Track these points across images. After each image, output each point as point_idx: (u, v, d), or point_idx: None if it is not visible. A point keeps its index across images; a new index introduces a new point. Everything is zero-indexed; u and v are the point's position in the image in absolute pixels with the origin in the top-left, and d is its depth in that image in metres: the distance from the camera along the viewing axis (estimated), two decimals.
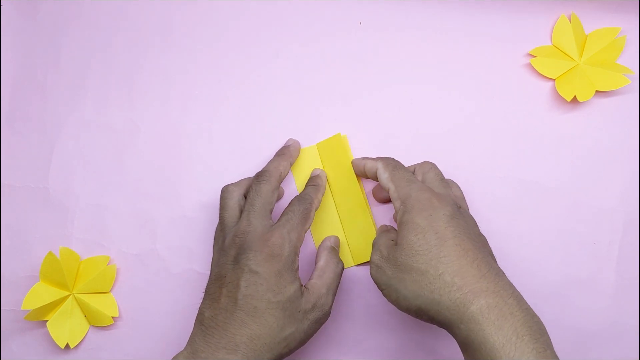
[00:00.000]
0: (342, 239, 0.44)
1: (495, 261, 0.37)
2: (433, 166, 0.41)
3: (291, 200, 0.41)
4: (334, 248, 0.42)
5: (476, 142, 0.45)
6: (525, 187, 0.45)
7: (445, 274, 0.33)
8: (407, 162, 0.43)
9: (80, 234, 0.46)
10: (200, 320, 0.37)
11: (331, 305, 0.39)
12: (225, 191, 0.42)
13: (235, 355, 0.34)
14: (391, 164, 0.40)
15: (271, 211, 0.40)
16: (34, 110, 0.47)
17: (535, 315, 0.33)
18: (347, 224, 0.44)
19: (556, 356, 0.32)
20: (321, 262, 0.41)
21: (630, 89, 0.45)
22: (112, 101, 0.47)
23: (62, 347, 0.44)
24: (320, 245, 0.43)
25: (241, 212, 0.40)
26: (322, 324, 0.39)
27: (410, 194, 0.37)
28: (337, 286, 0.40)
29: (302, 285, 0.38)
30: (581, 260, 0.44)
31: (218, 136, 0.46)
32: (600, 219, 0.44)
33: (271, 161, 0.43)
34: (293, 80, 0.46)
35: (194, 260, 0.45)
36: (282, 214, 0.39)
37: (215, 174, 0.46)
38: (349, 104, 0.46)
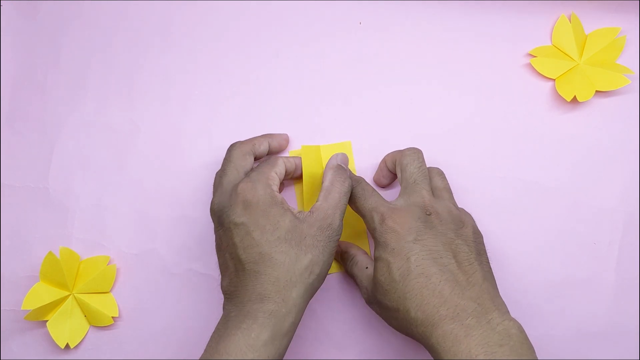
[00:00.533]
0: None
1: (472, 261, 0.36)
2: (411, 159, 0.41)
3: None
4: (340, 166, 0.41)
5: (476, 142, 0.45)
6: (525, 187, 0.45)
7: (410, 310, 0.35)
8: (392, 165, 0.43)
9: (80, 234, 0.46)
10: (223, 292, 0.37)
11: (340, 223, 0.38)
12: (232, 146, 0.42)
13: (263, 304, 0.35)
14: (353, 193, 0.40)
15: (245, 173, 0.40)
16: (34, 110, 0.47)
17: (502, 322, 0.33)
18: (343, 229, 0.44)
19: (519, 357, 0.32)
20: (326, 183, 0.40)
21: (630, 89, 0.45)
22: (112, 101, 0.47)
23: (62, 347, 0.44)
24: (326, 164, 0.42)
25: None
26: (335, 241, 0.38)
27: (375, 228, 0.38)
28: (346, 203, 0.39)
29: (298, 212, 0.38)
30: (581, 260, 0.44)
31: (218, 136, 0.46)
32: (600, 219, 0.44)
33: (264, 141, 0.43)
34: (293, 80, 0.46)
35: (194, 260, 0.45)
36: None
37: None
38: (349, 104, 0.46)
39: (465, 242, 0.37)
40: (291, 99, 0.46)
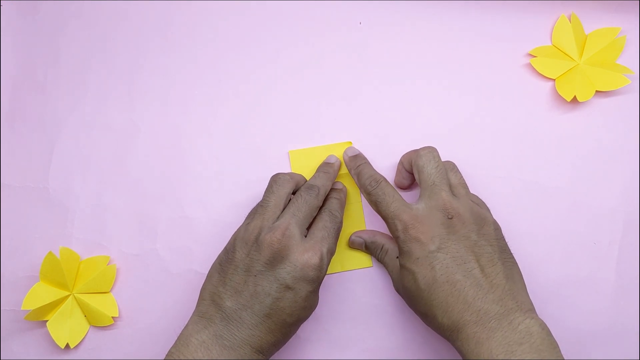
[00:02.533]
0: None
1: (495, 262, 0.37)
2: (427, 159, 0.40)
3: (323, 214, 0.41)
4: (331, 214, 0.41)
5: (476, 142, 0.45)
6: (525, 187, 0.45)
7: (437, 316, 0.36)
8: (408, 165, 0.43)
9: (80, 234, 0.46)
10: (218, 303, 0.37)
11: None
12: (279, 178, 0.41)
13: (259, 356, 0.37)
14: (374, 195, 0.40)
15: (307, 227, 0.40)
16: (34, 110, 0.47)
17: (524, 321, 0.34)
18: (342, 230, 0.45)
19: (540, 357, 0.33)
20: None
21: (630, 89, 0.45)
22: (112, 101, 0.47)
23: (62, 347, 0.44)
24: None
25: (285, 207, 0.40)
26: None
27: (398, 236, 0.38)
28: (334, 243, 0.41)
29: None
30: (581, 260, 0.44)
31: (218, 136, 0.46)
32: (600, 219, 0.44)
33: (319, 177, 0.42)
34: (293, 80, 0.46)
35: (194, 260, 0.45)
36: (317, 227, 0.40)
37: (215, 174, 0.46)
38: (349, 104, 0.46)
39: (488, 241, 0.38)
40: (291, 99, 0.46)
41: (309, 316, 0.39)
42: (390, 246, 0.43)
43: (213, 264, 0.40)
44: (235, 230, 0.40)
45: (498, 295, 0.35)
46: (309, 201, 0.40)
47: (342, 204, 0.43)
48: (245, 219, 0.41)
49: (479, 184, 0.45)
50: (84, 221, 0.46)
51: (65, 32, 0.48)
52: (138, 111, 0.47)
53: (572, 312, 0.44)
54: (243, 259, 0.38)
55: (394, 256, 0.42)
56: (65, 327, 0.44)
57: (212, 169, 0.46)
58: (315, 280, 0.37)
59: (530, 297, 0.43)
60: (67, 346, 0.44)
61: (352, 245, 0.44)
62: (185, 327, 0.37)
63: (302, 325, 0.39)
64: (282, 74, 0.47)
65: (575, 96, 0.44)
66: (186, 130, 0.46)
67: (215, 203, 0.45)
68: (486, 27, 0.46)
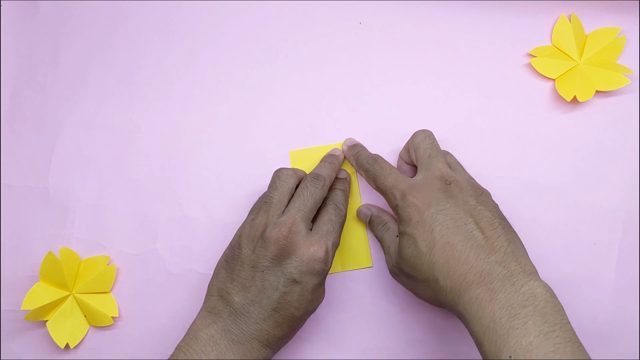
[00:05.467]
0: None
1: (495, 226, 0.36)
2: (422, 138, 0.41)
3: (324, 205, 0.41)
4: (337, 207, 0.42)
5: (476, 142, 0.45)
6: (525, 187, 0.45)
7: (439, 279, 0.35)
8: (405, 154, 0.43)
9: (80, 234, 0.46)
10: (226, 299, 0.37)
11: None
12: (281, 173, 0.41)
13: (266, 350, 0.37)
14: (372, 170, 0.41)
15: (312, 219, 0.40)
16: (34, 110, 0.47)
17: (527, 283, 0.33)
18: (343, 229, 0.45)
19: (543, 323, 0.31)
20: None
21: (630, 89, 0.45)
22: (112, 101, 0.47)
23: (62, 347, 0.44)
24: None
25: (289, 201, 0.40)
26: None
27: (397, 205, 0.38)
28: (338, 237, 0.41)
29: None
30: (581, 260, 0.44)
31: (218, 136, 0.46)
32: (600, 219, 0.44)
33: (324, 167, 0.43)
34: (293, 80, 0.46)
35: (194, 260, 0.45)
36: (322, 220, 0.40)
37: (215, 174, 0.46)
38: (349, 103, 0.46)
39: (486, 207, 0.37)
40: (291, 99, 0.46)
41: (315, 309, 0.39)
42: (392, 225, 0.42)
43: (219, 261, 0.40)
44: (238, 227, 0.41)
45: (500, 256, 0.35)
46: (315, 194, 0.40)
47: (347, 196, 0.44)
48: (249, 215, 0.41)
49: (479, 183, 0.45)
50: (84, 221, 0.46)
51: (65, 32, 0.48)
52: (138, 111, 0.47)
53: (572, 312, 0.43)
54: (249, 255, 0.38)
55: (394, 235, 0.41)
56: (65, 327, 0.44)
57: (212, 169, 0.46)
58: (321, 273, 0.38)
59: None
60: (67, 346, 0.44)
61: (359, 215, 0.45)
62: (193, 322, 0.38)
63: (302, 325, 0.39)
64: (282, 74, 0.47)
65: (575, 96, 0.44)
66: (186, 130, 0.46)
67: (215, 203, 0.45)
68: (486, 27, 0.46)
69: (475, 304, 0.33)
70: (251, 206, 0.42)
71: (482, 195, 0.38)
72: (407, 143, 0.43)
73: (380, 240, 0.43)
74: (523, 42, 0.46)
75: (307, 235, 0.38)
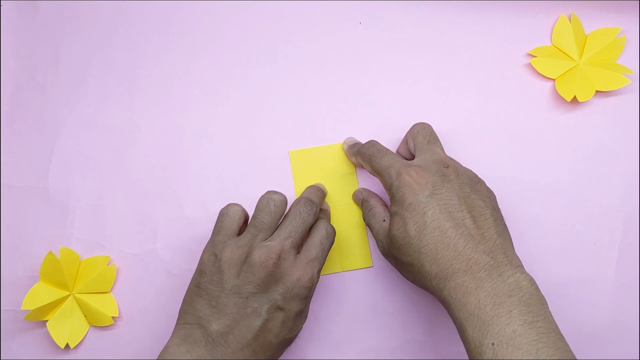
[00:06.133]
0: (335, 243, 0.44)
1: (487, 216, 0.36)
2: (421, 128, 0.42)
3: (317, 228, 0.40)
4: (327, 235, 0.41)
5: (476, 142, 0.45)
6: (525, 187, 0.45)
7: (425, 264, 0.35)
8: (404, 147, 0.43)
9: (80, 234, 0.46)
10: (204, 326, 0.36)
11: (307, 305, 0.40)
12: (273, 198, 0.40)
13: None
14: (367, 154, 0.41)
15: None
16: (34, 110, 0.47)
17: (514, 275, 0.33)
18: (342, 229, 0.45)
19: (527, 313, 0.32)
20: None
21: (630, 89, 0.45)
22: (112, 101, 0.47)
23: (62, 347, 0.44)
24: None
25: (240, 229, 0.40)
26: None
27: (391, 183, 0.38)
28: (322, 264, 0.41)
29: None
30: (581, 260, 0.44)
31: (218, 136, 0.46)
32: (600, 219, 0.44)
33: (315, 193, 0.42)
34: (293, 80, 0.46)
35: (194, 260, 0.45)
36: (314, 243, 0.39)
37: (215, 174, 0.46)
38: (349, 103, 0.46)
39: (480, 197, 0.37)
40: (291, 99, 0.46)
41: (293, 338, 0.38)
42: (379, 210, 0.42)
43: (190, 286, 0.38)
44: (204, 249, 0.39)
45: (489, 247, 0.35)
46: (307, 220, 0.39)
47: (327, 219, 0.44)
48: (216, 235, 0.39)
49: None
50: (84, 221, 0.46)
51: (65, 32, 0.48)
52: (138, 111, 0.47)
53: (572, 312, 0.44)
54: (232, 280, 0.36)
55: (381, 219, 0.41)
56: (65, 327, 0.44)
57: (212, 169, 0.46)
58: (305, 299, 0.37)
59: None
60: (67, 346, 0.44)
61: (353, 197, 0.45)
62: (165, 350, 0.35)
63: (302, 325, 0.39)
64: (282, 74, 0.47)
65: (575, 96, 0.44)
66: (186, 130, 0.46)
67: (215, 203, 0.45)
68: (486, 27, 0.46)
69: (461, 290, 0.33)
70: (251, 206, 0.42)
71: (477, 184, 0.38)
72: (405, 136, 0.43)
73: (368, 225, 0.43)
74: (523, 42, 0.46)
75: (295, 260, 0.37)
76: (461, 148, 0.45)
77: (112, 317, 0.44)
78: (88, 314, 0.44)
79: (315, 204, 0.40)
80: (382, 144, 0.45)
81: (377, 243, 0.41)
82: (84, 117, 0.47)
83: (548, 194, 0.45)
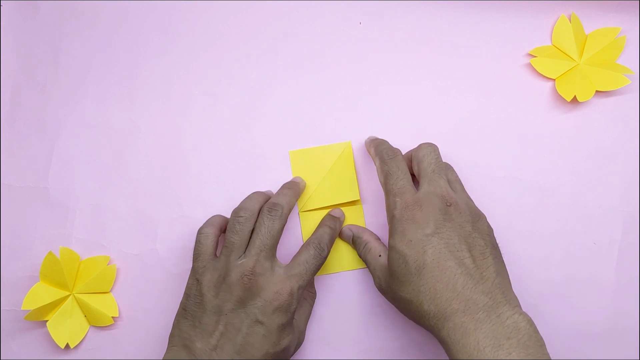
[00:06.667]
0: (335, 243, 0.44)
1: (486, 255, 0.36)
2: (427, 152, 0.41)
3: (308, 242, 0.41)
4: (319, 246, 0.41)
5: (476, 142, 0.45)
6: (525, 187, 0.45)
7: (424, 303, 0.35)
8: (408, 162, 0.43)
9: (80, 234, 0.46)
10: (189, 347, 0.37)
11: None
12: (239, 216, 0.40)
13: None
14: (384, 169, 0.40)
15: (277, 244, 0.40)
16: (34, 110, 0.47)
17: (512, 316, 0.34)
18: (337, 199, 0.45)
19: (526, 356, 0.32)
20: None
21: (630, 89, 0.45)
22: (112, 101, 0.47)
23: (62, 347, 0.44)
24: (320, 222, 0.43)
25: (214, 249, 0.40)
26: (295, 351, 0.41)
27: (394, 215, 0.38)
28: (310, 313, 0.43)
29: (291, 334, 0.39)
30: (581, 260, 0.44)
31: (218, 136, 0.46)
32: (600, 219, 0.44)
33: (281, 194, 0.42)
34: (293, 80, 0.46)
35: None
36: (298, 260, 0.39)
37: (215, 174, 0.46)
38: (349, 103, 0.46)
39: (481, 235, 0.37)
40: (291, 99, 0.46)
41: (282, 354, 0.38)
42: (374, 245, 0.42)
43: (177, 311, 0.40)
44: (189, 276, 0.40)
45: (488, 287, 0.35)
46: (272, 228, 0.39)
47: (334, 236, 0.43)
48: (195, 262, 0.40)
49: (479, 183, 0.45)
50: (84, 221, 0.46)
51: (65, 32, 0.48)
52: (138, 111, 0.47)
53: (572, 312, 0.44)
54: (212, 300, 0.37)
55: (376, 254, 0.41)
56: (65, 327, 0.44)
57: (212, 169, 0.46)
58: (285, 313, 0.37)
59: (530, 297, 0.44)
60: (67, 346, 0.44)
61: (341, 236, 0.44)
62: None
63: (290, 341, 0.39)
64: (282, 74, 0.47)
65: (575, 96, 0.44)
66: (186, 130, 0.46)
67: (215, 203, 0.45)
68: (486, 27, 0.46)
69: (460, 331, 0.33)
70: None
71: (478, 220, 0.38)
72: (410, 153, 0.42)
73: (363, 260, 0.43)
74: (523, 42, 0.46)
75: (273, 274, 0.38)
76: (461, 148, 0.45)
77: (112, 317, 0.44)
78: (88, 314, 0.44)
79: (281, 206, 0.40)
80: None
81: (374, 280, 0.41)
82: (84, 117, 0.47)
83: (548, 194, 0.45)
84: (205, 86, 0.47)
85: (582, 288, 0.44)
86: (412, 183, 0.40)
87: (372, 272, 0.41)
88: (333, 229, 0.43)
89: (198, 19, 0.47)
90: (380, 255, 0.41)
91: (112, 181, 0.46)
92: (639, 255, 0.44)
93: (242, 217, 0.40)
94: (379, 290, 0.41)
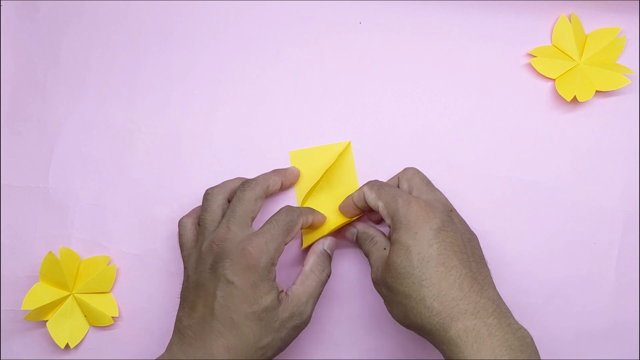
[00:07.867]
0: (317, 207, 0.44)
1: (484, 265, 0.37)
2: (416, 171, 0.42)
3: (280, 209, 0.40)
4: (324, 252, 0.41)
5: (476, 142, 0.45)
6: (525, 187, 0.45)
7: (426, 299, 0.34)
8: (407, 162, 0.44)
9: (80, 234, 0.46)
10: (178, 327, 0.37)
11: (310, 313, 0.39)
12: (208, 194, 0.41)
13: None
14: (376, 184, 0.40)
15: (253, 219, 0.39)
16: (34, 110, 0.47)
17: (520, 329, 0.34)
18: (342, 228, 0.45)
19: None
20: (307, 268, 0.40)
21: (630, 89, 0.45)
22: (112, 101, 0.47)
23: (62, 347, 0.44)
24: (311, 248, 0.42)
25: (223, 216, 0.40)
26: (300, 330, 0.38)
27: (397, 209, 0.37)
28: (320, 293, 0.40)
29: (280, 292, 0.37)
30: (581, 260, 0.44)
31: (218, 136, 0.46)
32: (600, 219, 0.44)
33: (262, 174, 0.43)
34: (293, 80, 0.46)
35: None
36: (266, 222, 0.39)
37: (216, 174, 0.46)
38: (349, 104, 0.46)
39: (477, 247, 0.38)
40: (291, 98, 0.46)
41: (262, 311, 0.36)
42: (380, 239, 0.41)
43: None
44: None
45: (492, 294, 0.35)
46: (242, 197, 0.39)
47: (315, 213, 0.42)
48: (181, 254, 0.41)
49: (479, 184, 0.45)
50: (84, 221, 0.46)
51: (65, 32, 0.48)
52: (138, 111, 0.47)
53: (572, 312, 0.44)
54: (192, 276, 0.38)
55: (382, 247, 0.40)
56: (65, 327, 0.44)
57: (212, 169, 0.46)
58: (255, 269, 0.36)
59: (530, 297, 0.44)
60: (67, 346, 0.44)
61: (345, 234, 0.44)
62: None
63: (273, 299, 0.37)
64: (282, 73, 0.47)
65: (575, 96, 0.44)
66: (186, 130, 0.46)
67: None
68: (486, 27, 0.46)
69: (472, 334, 0.33)
70: None
71: (472, 239, 0.38)
72: (397, 176, 0.43)
73: (367, 254, 0.41)
74: (523, 42, 0.46)
75: (243, 238, 0.37)
76: (461, 148, 0.45)
77: (112, 317, 0.44)
78: (88, 314, 0.44)
79: (254, 180, 0.40)
80: (381, 144, 0.45)
81: (372, 269, 0.40)
82: (84, 117, 0.47)
83: (548, 194, 0.45)
84: (205, 86, 0.47)
85: (582, 288, 0.44)
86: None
87: (372, 264, 0.40)
88: (312, 211, 0.42)
89: (198, 19, 0.47)
90: (385, 249, 0.39)
91: (112, 181, 0.46)
92: (639, 255, 0.44)
93: (209, 194, 0.41)
94: (373, 282, 0.39)
